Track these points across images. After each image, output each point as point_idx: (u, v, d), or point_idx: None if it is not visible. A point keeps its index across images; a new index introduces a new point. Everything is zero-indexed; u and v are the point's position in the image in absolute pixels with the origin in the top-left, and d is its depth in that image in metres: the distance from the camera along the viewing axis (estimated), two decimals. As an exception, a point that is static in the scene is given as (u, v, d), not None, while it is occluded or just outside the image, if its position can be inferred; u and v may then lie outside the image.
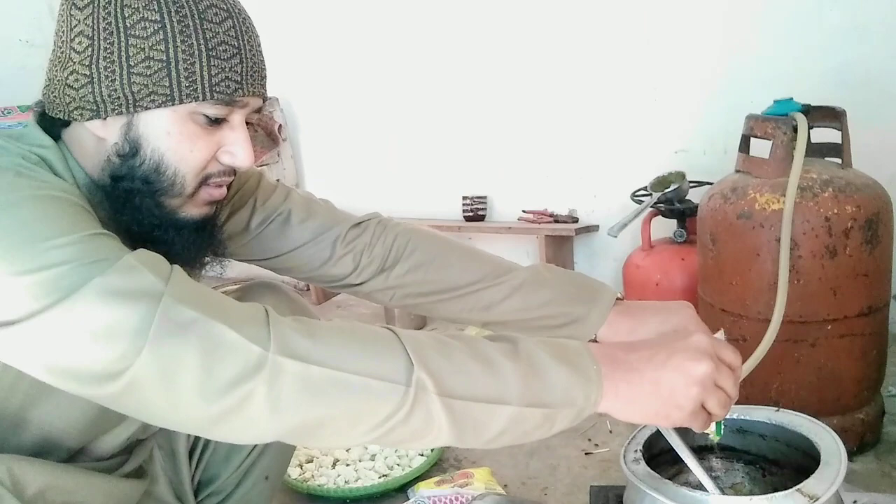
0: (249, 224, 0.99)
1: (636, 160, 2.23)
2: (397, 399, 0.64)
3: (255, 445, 1.05)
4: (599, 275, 2.39)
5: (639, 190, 2.04)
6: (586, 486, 1.16)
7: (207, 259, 0.86)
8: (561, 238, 2.32)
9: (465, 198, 2.54)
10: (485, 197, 2.54)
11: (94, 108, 0.74)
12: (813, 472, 0.85)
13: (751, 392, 1.45)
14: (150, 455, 0.98)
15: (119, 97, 0.73)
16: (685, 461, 0.87)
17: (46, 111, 0.78)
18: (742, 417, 0.97)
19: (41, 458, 0.74)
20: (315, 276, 1.03)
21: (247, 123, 0.81)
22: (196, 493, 1.04)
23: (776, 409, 0.95)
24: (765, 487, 0.98)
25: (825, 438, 0.88)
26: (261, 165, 2.71)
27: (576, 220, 2.35)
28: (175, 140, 0.75)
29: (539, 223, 2.36)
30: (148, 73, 0.72)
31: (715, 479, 0.97)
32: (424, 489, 1.37)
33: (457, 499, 1.24)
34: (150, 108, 0.73)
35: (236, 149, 0.78)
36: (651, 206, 1.94)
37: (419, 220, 2.58)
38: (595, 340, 0.94)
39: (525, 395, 0.67)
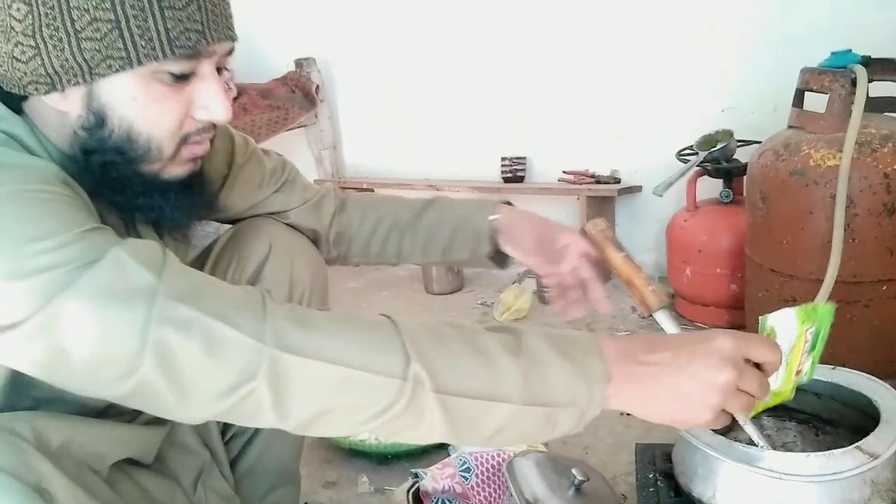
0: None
1: (681, 119, 2.17)
2: (393, 393, 0.63)
3: None
4: (642, 236, 2.36)
5: (684, 149, 1.99)
6: (629, 446, 1.15)
7: (202, 215, 0.84)
8: (602, 199, 2.28)
9: (503, 159, 2.50)
10: (524, 158, 2.50)
11: (48, 80, 0.68)
12: (871, 431, 0.82)
13: (800, 354, 1.41)
14: None
15: (72, 66, 0.67)
16: (735, 416, 0.85)
17: (1, 85, 0.72)
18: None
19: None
20: None
21: (220, 69, 0.75)
22: (223, 433, 1.05)
23: (832, 367, 0.93)
24: (818, 447, 0.95)
25: (885, 397, 0.86)
26: (298, 127, 2.70)
27: (618, 181, 2.30)
28: (142, 105, 0.70)
29: (580, 184, 2.32)
30: (98, 37, 0.66)
31: (766, 437, 0.95)
32: (465, 446, 1.37)
33: (498, 455, 1.23)
34: (107, 75, 0.68)
35: (210, 102, 0.73)
36: (697, 166, 1.89)
37: (457, 183, 2.56)
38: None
39: (525, 393, 0.65)
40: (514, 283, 2.27)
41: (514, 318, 2.09)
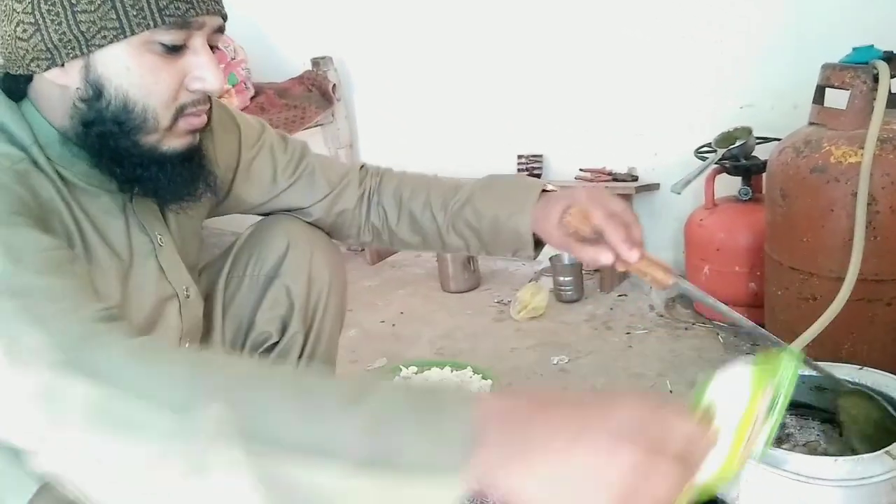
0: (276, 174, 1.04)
1: (699, 116, 2.15)
2: (172, 428, 0.50)
3: None
4: (660, 234, 2.35)
5: (703, 146, 1.98)
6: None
7: (200, 190, 0.85)
8: (620, 197, 2.26)
9: (520, 156, 2.49)
10: (540, 155, 2.49)
11: (49, 56, 0.73)
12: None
13: (820, 353, 1.40)
14: None
15: (70, 39, 0.72)
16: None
17: (8, 71, 0.77)
18: (821, 375, 0.94)
19: None
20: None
21: (212, 48, 0.79)
22: None
23: (860, 367, 0.92)
24: (841, 447, 0.95)
25: (911, 397, 0.85)
26: (315, 126, 2.71)
27: (635, 179, 2.29)
28: (136, 75, 0.74)
29: (597, 182, 2.31)
30: (92, 9, 0.71)
31: (788, 436, 0.95)
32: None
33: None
34: (103, 46, 0.72)
35: (203, 72, 0.77)
36: (715, 163, 1.88)
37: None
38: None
39: (360, 450, 0.49)
40: (530, 282, 2.27)
41: (531, 315, 2.09)
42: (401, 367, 1.78)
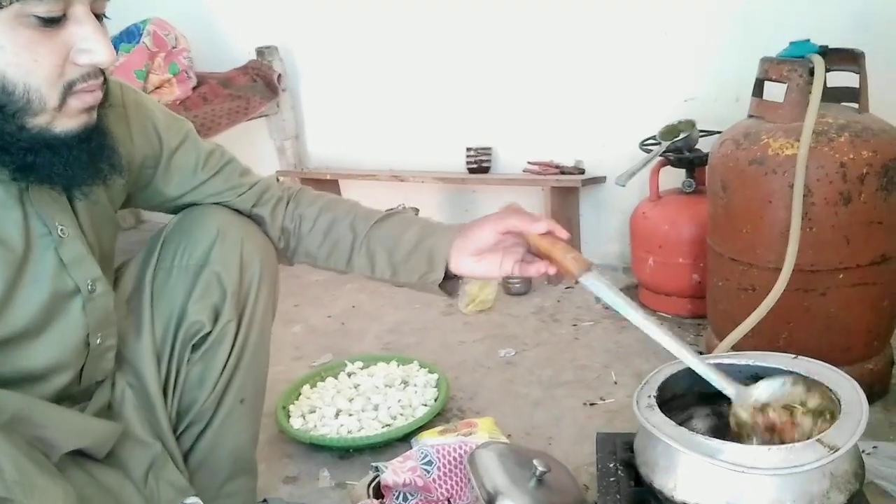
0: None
1: (645, 109, 2.17)
2: None
3: (226, 364, 1.03)
4: (606, 226, 2.37)
5: (648, 139, 2.00)
6: (592, 437, 1.15)
7: (104, 172, 0.80)
8: (567, 190, 2.27)
9: (468, 149, 2.48)
10: (489, 148, 2.49)
11: None
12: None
13: (759, 342, 1.42)
14: (121, 396, 0.96)
15: None
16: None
17: None
18: (758, 364, 0.95)
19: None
20: None
21: (98, 18, 0.73)
22: (176, 427, 1.02)
23: (794, 356, 0.93)
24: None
25: (845, 387, 0.86)
26: (259, 116, 2.66)
27: (582, 172, 2.30)
28: (11, 53, 0.68)
29: (544, 174, 2.32)
30: None
31: (725, 426, 0.95)
32: (428, 438, 1.36)
33: (460, 447, 1.22)
34: None
35: (89, 44, 0.71)
36: (660, 156, 1.90)
37: (422, 173, 2.54)
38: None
39: None
40: (478, 274, 2.26)
41: (480, 308, 2.08)
42: (346, 362, 1.75)
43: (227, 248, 1.01)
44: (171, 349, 1.01)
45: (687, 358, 0.89)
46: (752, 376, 0.96)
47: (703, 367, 0.88)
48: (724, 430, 0.96)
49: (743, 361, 0.97)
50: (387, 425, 1.50)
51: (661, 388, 0.92)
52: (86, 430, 0.84)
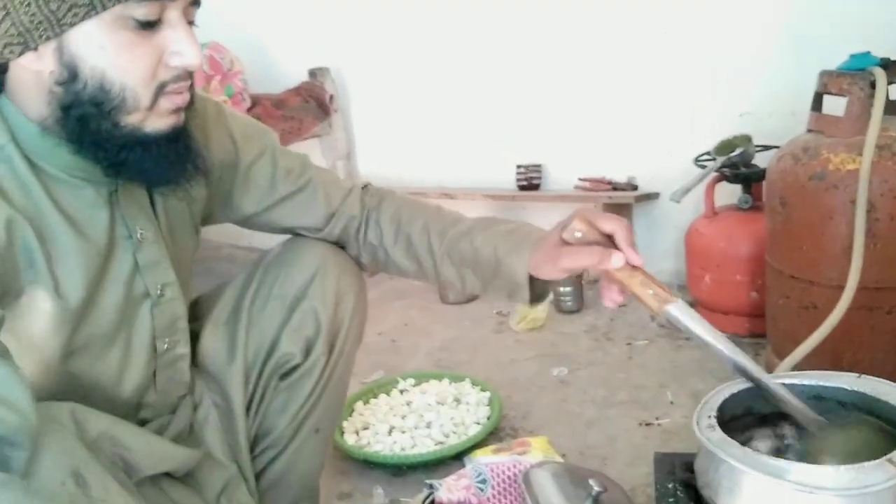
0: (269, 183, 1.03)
1: (699, 123, 2.14)
2: None
3: (310, 395, 1.05)
4: (660, 243, 2.33)
5: (702, 154, 1.97)
6: (647, 457, 1.13)
7: (189, 171, 0.83)
8: (620, 206, 2.25)
9: (518, 166, 2.48)
10: (539, 165, 2.48)
11: (21, 40, 0.71)
12: (898, 440, 0.80)
13: (821, 362, 1.38)
14: (205, 417, 0.99)
15: (41, 21, 0.70)
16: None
17: None
18: (820, 384, 0.92)
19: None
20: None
21: (189, 24, 0.77)
22: (252, 447, 1.04)
23: (858, 375, 0.90)
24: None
25: (912, 406, 0.83)
26: (311, 137, 2.71)
27: (635, 188, 2.28)
28: (112, 53, 0.72)
29: (596, 191, 2.30)
30: None
31: (787, 446, 0.93)
32: (482, 456, 1.35)
33: (515, 466, 1.22)
34: (74, 24, 0.70)
35: (181, 47, 0.75)
36: (715, 171, 1.87)
37: (472, 190, 2.55)
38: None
39: None
40: (529, 292, 2.25)
41: (531, 327, 2.07)
42: (398, 379, 1.76)
43: (325, 284, 1.03)
44: (258, 374, 1.04)
45: (785, 398, 0.87)
46: (815, 396, 0.93)
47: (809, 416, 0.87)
48: (784, 451, 0.94)
49: (805, 382, 0.94)
50: (439, 443, 1.50)
51: (721, 409, 0.90)
52: (169, 456, 0.86)
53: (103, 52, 0.72)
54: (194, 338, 1.02)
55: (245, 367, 1.02)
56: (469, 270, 1.01)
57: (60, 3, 0.69)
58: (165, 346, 0.92)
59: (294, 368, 1.04)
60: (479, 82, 2.54)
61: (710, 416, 0.86)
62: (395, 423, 1.57)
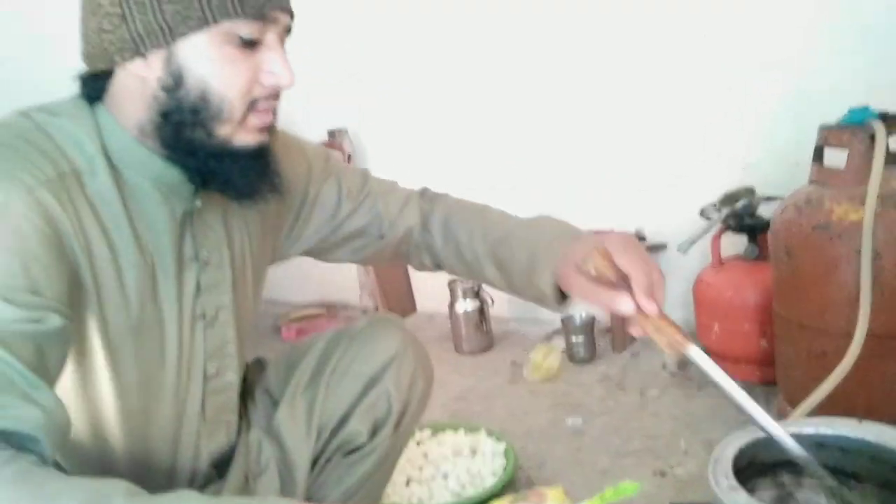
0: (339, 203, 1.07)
1: (704, 175, 2.19)
2: None
3: (368, 474, 1.08)
4: (669, 293, 2.28)
5: (707, 206, 2.01)
6: (662, 506, 1.14)
7: (267, 189, 0.87)
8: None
9: (530, 219, 2.53)
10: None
11: (133, 45, 0.76)
12: (902, 486, 0.81)
13: (835, 408, 1.38)
14: (265, 487, 1.01)
15: (155, 29, 0.75)
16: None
17: (88, 69, 0.80)
18: (820, 431, 0.94)
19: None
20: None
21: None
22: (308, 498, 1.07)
23: (858, 420, 0.92)
24: (847, 504, 0.94)
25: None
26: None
27: (643, 239, 2.32)
28: (217, 65, 0.77)
29: (606, 243, 2.33)
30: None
31: (788, 495, 0.94)
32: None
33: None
34: (186, 35, 0.75)
35: (276, 67, 0.80)
36: (720, 222, 1.91)
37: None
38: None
39: None
40: (542, 342, 2.27)
41: (545, 376, 2.09)
42: (415, 430, 1.78)
43: (402, 370, 1.08)
44: (324, 445, 1.08)
45: (794, 450, 0.88)
46: (815, 443, 0.94)
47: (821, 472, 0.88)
48: (786, 500, 0.95)
49: (805, 430, 0.95)
50: (457, 494, 1.51)
51: (736, 461, 0.90)
52: None
53: (210, 63, 0.77)
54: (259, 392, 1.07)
55: (313, 437, 1.06)
56: (504, 276, 1.05)
57: (175, 14, 0.74)
58: (214, 370, 0.94)
59: (358, 447, 1.08)
60: (489, 138, 2.61)
61: (727, 476, 0.85)
62: (412, 475, 1.59)
